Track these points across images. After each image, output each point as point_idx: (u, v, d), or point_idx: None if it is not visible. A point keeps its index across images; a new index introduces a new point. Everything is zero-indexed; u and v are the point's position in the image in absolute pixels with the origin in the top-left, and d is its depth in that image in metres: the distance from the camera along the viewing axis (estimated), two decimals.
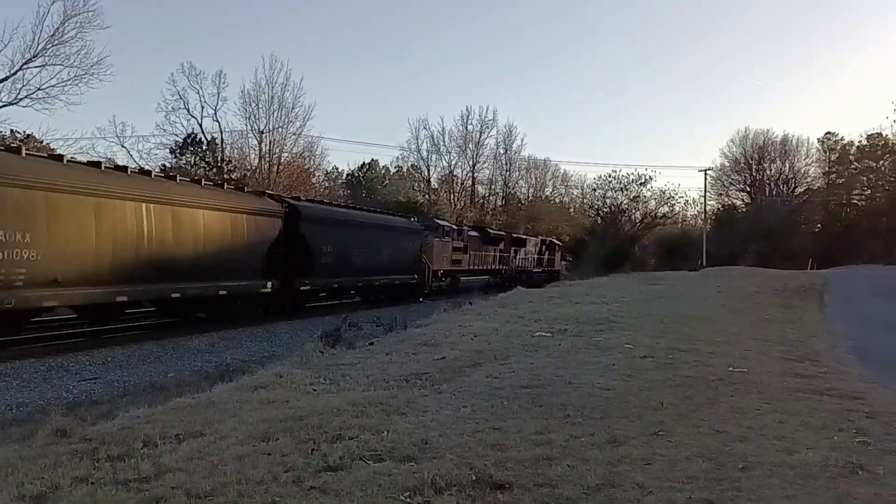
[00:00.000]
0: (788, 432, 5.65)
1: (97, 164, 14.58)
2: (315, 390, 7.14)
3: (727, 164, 65.22)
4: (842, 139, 66.51)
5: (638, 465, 4.66)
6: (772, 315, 16.64)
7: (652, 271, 42.30)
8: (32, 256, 11.32)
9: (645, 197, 48.12)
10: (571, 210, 66.21)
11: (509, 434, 5.37)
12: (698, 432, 5.56)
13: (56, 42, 29.96)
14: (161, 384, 9.45)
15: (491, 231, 37.12)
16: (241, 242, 16.81)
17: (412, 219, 29.06)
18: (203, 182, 18.19)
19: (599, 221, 49.78)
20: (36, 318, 13.11)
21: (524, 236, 42.71)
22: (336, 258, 20.44)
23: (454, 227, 31.75)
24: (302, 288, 19.20)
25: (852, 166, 65.94)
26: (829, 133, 66.86)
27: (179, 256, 14.72)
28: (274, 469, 4.48)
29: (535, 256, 42.69)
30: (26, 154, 12.40)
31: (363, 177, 65.97)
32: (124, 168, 15.37)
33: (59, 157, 13.48)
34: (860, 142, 65.27)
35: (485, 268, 34.13)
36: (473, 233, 33.61)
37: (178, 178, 16.67)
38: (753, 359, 9.68)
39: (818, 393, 7.34)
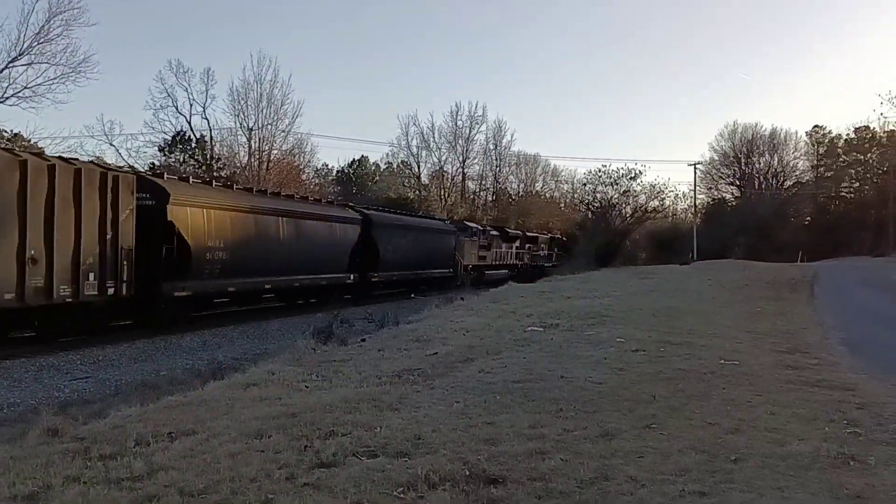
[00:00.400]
0: (780, 424, 5.69)
1: (249, 190, 20.63)
2: (307, 387, 7.12)
3: (716, 157, 65.49)
4: (830, 132, 66.92)
5: (631, 459, 4.67)
6: (762, 307, 16.74)
7: (643, 265, 42.43)
8: (224, 257, 16.33)
9: (635, 191, 48.07)
10: (562, 205, 66.28)
11: (502, 429, 5.38)
12: (690, 425, 5.59)
13: (42, 40, 29.69)
14: (153, 383, 9.41)
15: (509, 231, 41.66)
16: (335, 244, 22.05)
17: (447, 222, 34.45)
18: (310, 198, 24.09)
19: (590, 216, 49.79)
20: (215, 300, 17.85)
21: (537, 234, 46.71)
22: (396, 256, 25.56)
23: (479, 227, 36.50)
24: (373, 279, 24.40)
25: (840, 159, 66.35)
26: (817, 126, 67.26)
27: (300, 256, 19.68)
28: (267, 466, 4.47)
29: (546, 252, 46.71)
30: (215, 185, 19.28)
31: (353, 173, 65.75)
32: (265, 191, 21.89)
33: (230, 186, 20.20)
34: (848, 135, 65.69)
35: (505, 262, 38.83)
36: (494, 232, 38.42)
37: (295, 195, 23.43)
38: (745, 351, 9.74)
39: (809, 384, 7.39)
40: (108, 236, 13.22)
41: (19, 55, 29.21)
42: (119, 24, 72.66)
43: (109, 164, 16.93)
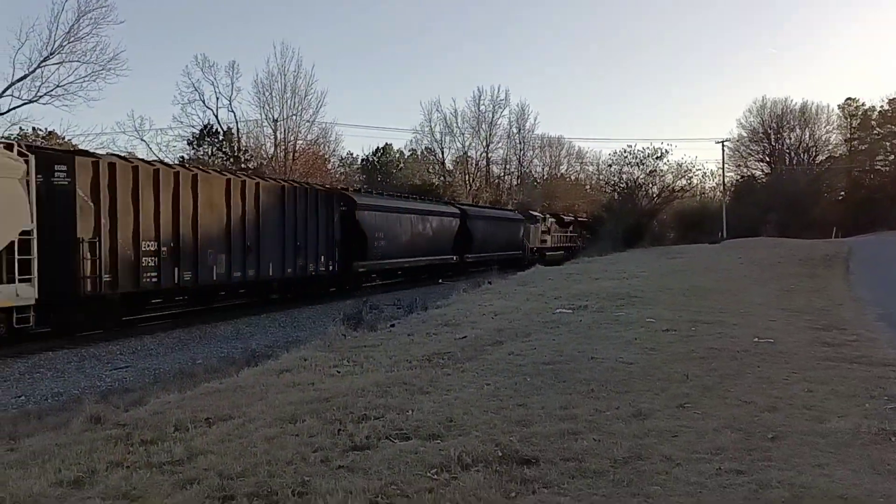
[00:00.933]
0: (818, 401, 5.60)
1: (393, 195, 29.35)
2: (339, 372, 7.20)
3: (745, 134, 64.09)
4: (863, 105, 65.12)
5: (665, 438, 4.65)
6: (796, 285, 16.44)
7: (671, 245, 41.94)
8: (383, 244, 23.19)
9: (661, 171, 47.15)
10: (587, 187, 65.68)
11: (534, 410, 5.39)
12: (725, 403, 5.54)
13: (72, 39, 30.15)
14: (190, 371, 9.58)
15: (564, 217, 48.04)
16: (444, 233, 28.89)
17: (515, 212, 40.92)
18: (427, 198, 31.55)
19: (616, 197, 49.13)
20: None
21: (585, 219, 51.59)
22: (483, 241, 32.25)
23: (541, 215, 42.82)
24: (468, 260, 30.98)
25: (875, 132, 64.53)
26: (849, 99, 65.48)
27: (424, 243, 26.70)
28: (302, 449, 4.54)
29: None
30: (386, 195, 28.13)
31: (378, 161, 65.83)
32: (400, 195, 30.99)
33: (382, 194, 28.12)
34: (882, 107, 63.87)
35: (561, 245, 45.04)
36: (552, 219, 44.72)
37: (418, 197, 30.78)
38: (779, 329, 9.58)
39: (847, 361, 7.25)
40: (328, 232, 20.41)
41: (51, 54, 29.73)
42: (145, 20, 73.47)
43: (325, 185, 24.86)
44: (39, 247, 11.12)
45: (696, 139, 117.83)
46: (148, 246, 13.56)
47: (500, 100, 57.33)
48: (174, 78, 52.78)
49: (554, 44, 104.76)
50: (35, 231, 11.07)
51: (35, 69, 29.39)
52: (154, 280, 13.74)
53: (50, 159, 12.26)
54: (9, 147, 11.25)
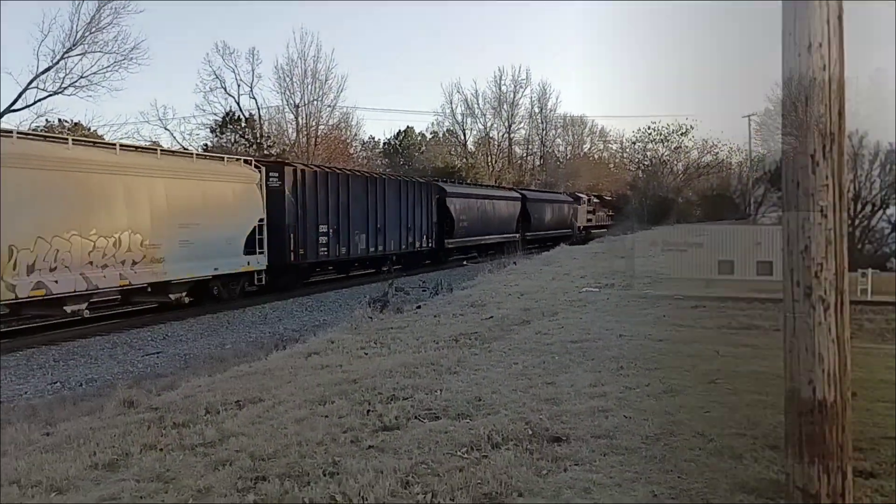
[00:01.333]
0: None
1: (470, 184, 36.07)
2: (366, 354, 7.24)
3: (772, 108, 62.64)
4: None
5: (697, 414, 4.58)
6: None
7: (697, 222, 41.42)
8: (466, 225, 28.80)
9: (686, 147, 46.60)
10: (611, 165, 64.97)
11: (562, 388, 5.36)
12: (758, 379, 5.43)
13: (93, 29, 30.33)
14: (219, 355, 9.71)
15: (606, 198, 53.39)
16: (509, 215, 33.82)
17: (566, 194, 45.65)
18: (493, 184, 37.80)
19: (640, 175, 48.71)
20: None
21: (611, 198, 55.56)
22: (539, 220, 37.31)
23: (587, 196, 48.06)
24: (527, 237, 35.04)
25: None
26: (879, 69, 63.58)
27: (494, 222, 31.85)
28: (332, 430, 4.56)
29: None
30: (465, 183, 35.45)
31: (399, 145, 65.65)
32: (476, 183, 37.04)
33: (463, 183, 34.99)
34: None
35: (603, 223, 49.29)
36: (596, 199, 50.37)
37: (489, 185, 37.10)
38: None
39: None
40: (428, 216, 26.05)
41: (73, 45, 30.01)
42: (164, 9, 73.78)
43: (419, 178, 29.66)
44: (267, 230, 16.50)
45: (723, 114, 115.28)
46: (321, 228, 19.03)
47: (522, 79, 56.68)
48: (195, 66, 53.13)
49: (574, 21, 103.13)
50: (265, 219, 16.43)
51: (59, 60, 29.70)
52: (325, 253, 19.35)
53: (267, 169, 17.24)
54: (247, 162, 16.89)
